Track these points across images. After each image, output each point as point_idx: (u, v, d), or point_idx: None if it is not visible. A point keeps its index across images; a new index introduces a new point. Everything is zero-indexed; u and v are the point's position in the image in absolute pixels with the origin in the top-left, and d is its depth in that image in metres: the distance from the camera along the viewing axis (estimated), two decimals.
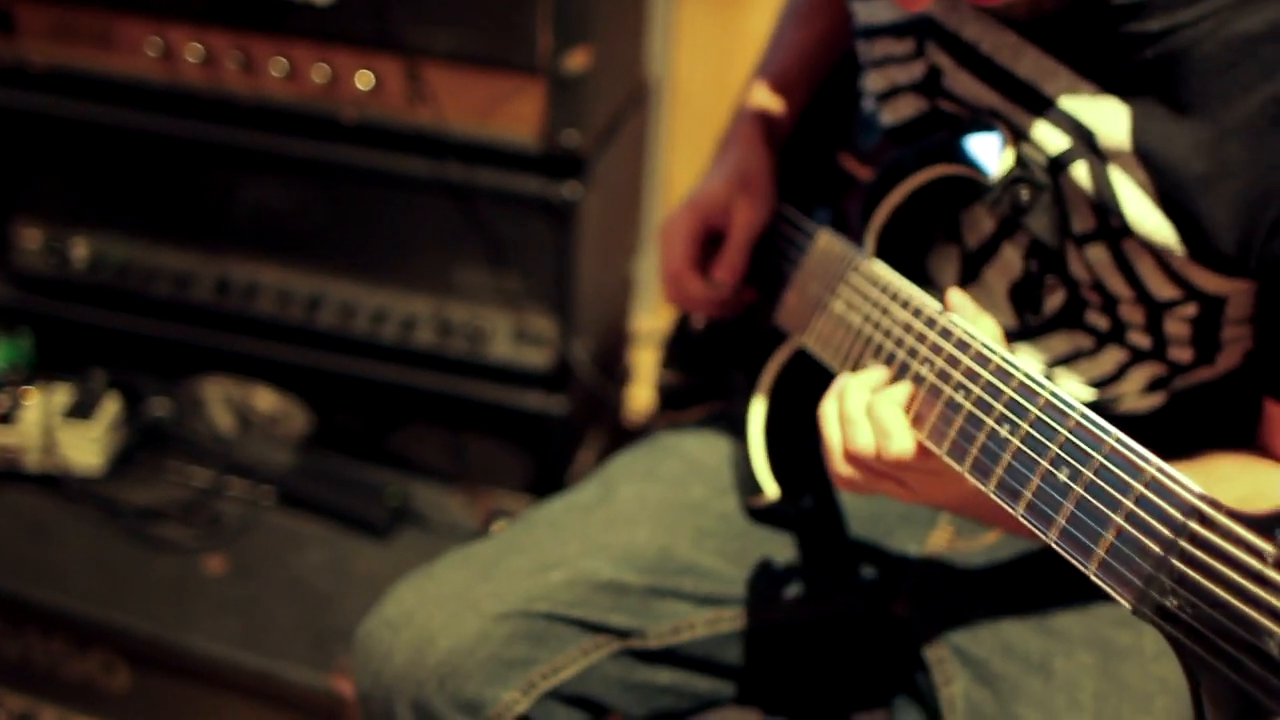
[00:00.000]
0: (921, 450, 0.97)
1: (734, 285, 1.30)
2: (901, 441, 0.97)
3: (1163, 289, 1.07)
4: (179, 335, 2.03)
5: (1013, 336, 1.16)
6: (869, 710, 1.27)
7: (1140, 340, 1.11)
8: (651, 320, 2.39)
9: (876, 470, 1.01)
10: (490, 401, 1.98)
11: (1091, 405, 1.13)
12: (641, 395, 2.38)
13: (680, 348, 1.50)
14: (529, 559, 1.20)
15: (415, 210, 1.89)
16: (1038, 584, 1.18)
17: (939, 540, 1.25)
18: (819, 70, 1.41)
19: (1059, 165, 1.07)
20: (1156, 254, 1.05)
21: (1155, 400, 1.14)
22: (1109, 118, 1.04)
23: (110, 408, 1.96)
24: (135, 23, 1.87)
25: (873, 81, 1.22)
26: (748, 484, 1.21)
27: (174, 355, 2.06)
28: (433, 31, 1.77)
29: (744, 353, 1.32)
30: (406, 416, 2.05)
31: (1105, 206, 1.05)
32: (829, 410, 1.03)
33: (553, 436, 2.00)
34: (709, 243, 1.33)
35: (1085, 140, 1.05)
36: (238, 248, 1.98)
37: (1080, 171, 1.06)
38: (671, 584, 1.20)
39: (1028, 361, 0.91)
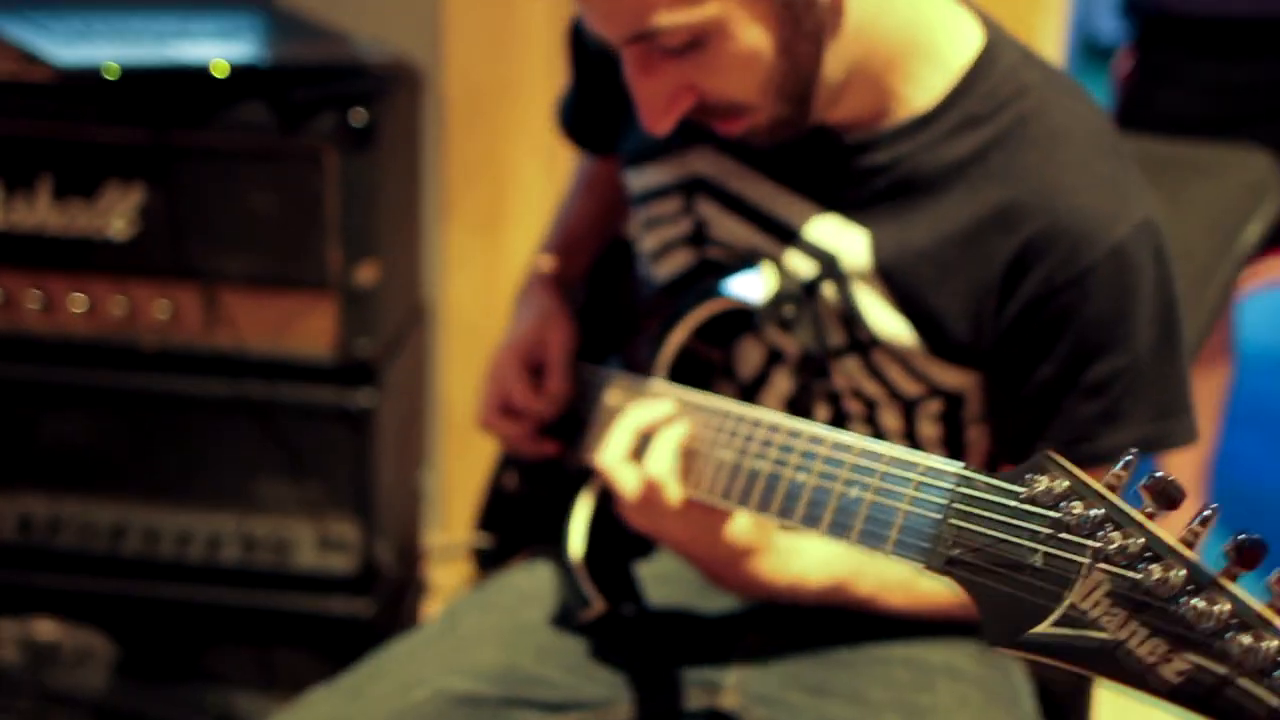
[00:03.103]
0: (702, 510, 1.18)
1: (566, 397, 1.47)
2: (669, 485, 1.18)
3: (909, 387, 1.28)
4: None
5: None
6: None
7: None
8: (443, 535, 2.50)
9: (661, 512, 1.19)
10: (298, 610, 2.04)
11: None
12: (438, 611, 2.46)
13: (493, 510, 1.64)
14: (391, 682, 1.30)
15: (216, 430, 1.99)
16: (849, 647, 1.34)
17: None
18: (603, 234, 1.62)
19: (811, 289, 1.28)
20: (900, 357, 1.26)
21: None
22: (851, 243, 1.25)
23: None
24: None
25: (647, 243, 1.43)
26: (575, 601, 1.35)
27: None
28: (228, 257, 1.91)
29: (554, 506, 1.46)
30: (217, 635, 2.09)
31: (851, 319, 1.26)
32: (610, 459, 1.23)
33: (359, 640, 2.07)
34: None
35: (829, 265, 1.27)
36: (38, 483, 2.02)
37: (829, 291, 1.27)
38: (522, 693, 1.31)
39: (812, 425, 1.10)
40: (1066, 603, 0.79)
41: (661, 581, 1.42)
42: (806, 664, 1.33)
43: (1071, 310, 1.18)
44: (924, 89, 1.23)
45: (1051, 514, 0.81)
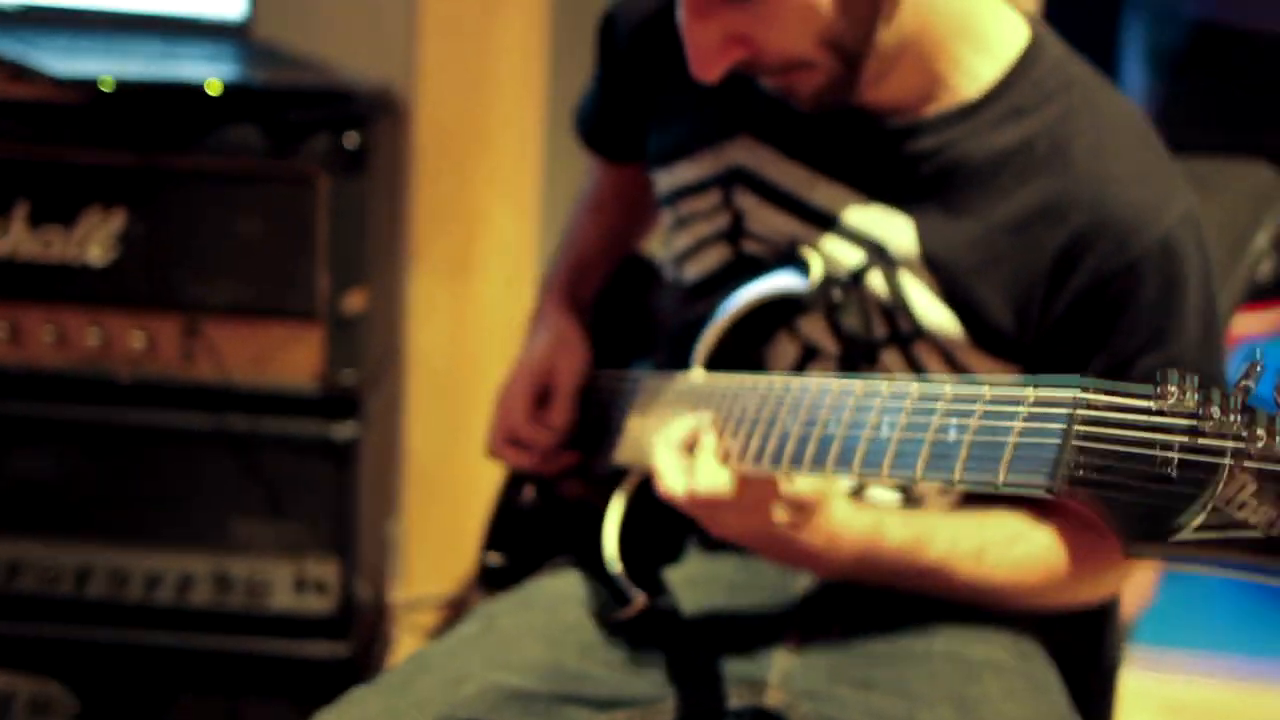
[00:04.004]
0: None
1: (566, 429, 1.45)
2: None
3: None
4: None
5: None
6: None
7: None
8: (407, 590, 2.43)
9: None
10: (272, 654, 1.97)
11: (901, 505, 1.33)
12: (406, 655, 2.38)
13: (503, 527, 1.60)
14: (439, 677, 1.25)
15: (190, 465, 1.93)
16: (888, 644, 1.31)
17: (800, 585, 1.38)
18: (613, 254, 1.61)
19: (857, 277, 1.28)
20: (942, 349, 1.26)
21: (951, 498, 1.34)
22: (897, 231, 1.25)
23: None
24: None
25: (677, 243, 1.41)
26: (614, 599, 1.32)
27: None
28: (210, 285, 1.86)
29: (572, 525, 1.44)
30: (185, 683, 2.00)
31: (896, 309, 1.26)
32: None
33: (335, 685, 2.00)
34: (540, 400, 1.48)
35: (877, 252, 1.27)
36: None
37: (875, 280, 1.27)
38: (571, 690, 1.27)
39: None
40: (1210, 504, 0.78)
41: (692, 585, 1.39)
42: (848, 659, 1.31)
43: (1122, 301, 1.20)
44: (972, 77, 1.24)
45: (1187, 421, 0.81)
